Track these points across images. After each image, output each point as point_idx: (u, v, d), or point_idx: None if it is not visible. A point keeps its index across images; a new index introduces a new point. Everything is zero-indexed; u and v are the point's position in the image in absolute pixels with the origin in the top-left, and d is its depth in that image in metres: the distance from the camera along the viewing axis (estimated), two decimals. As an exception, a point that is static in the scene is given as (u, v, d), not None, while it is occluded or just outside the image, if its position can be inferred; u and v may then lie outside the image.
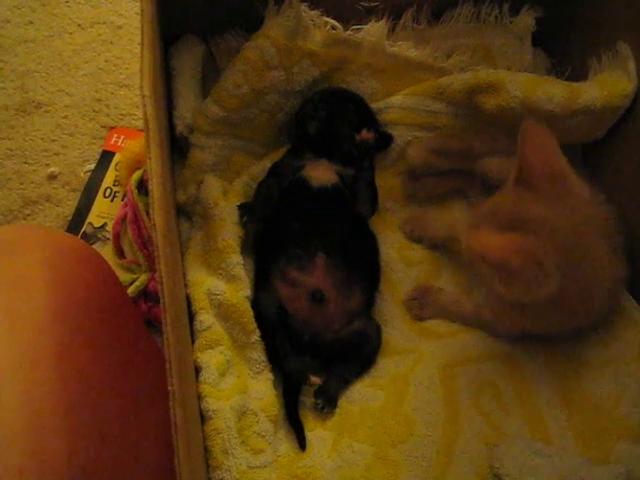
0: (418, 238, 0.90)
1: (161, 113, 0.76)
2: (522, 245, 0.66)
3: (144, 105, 0.61)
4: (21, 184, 1.02)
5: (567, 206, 0.69)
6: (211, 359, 0.74)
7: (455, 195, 0.94)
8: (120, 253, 0.94)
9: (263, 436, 0.73)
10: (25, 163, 1.03)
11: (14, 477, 0.51)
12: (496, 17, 0.98)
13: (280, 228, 0.84)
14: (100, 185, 1.01)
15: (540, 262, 0.64)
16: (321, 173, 0.86)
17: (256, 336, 0.77)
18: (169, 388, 0.49)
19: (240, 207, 0.84)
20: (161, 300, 0.52)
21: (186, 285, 0.79)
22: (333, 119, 0.88)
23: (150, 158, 0.57)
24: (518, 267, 0.64)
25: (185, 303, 0.77)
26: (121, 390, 0.65)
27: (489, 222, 0.69)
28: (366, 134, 0.86)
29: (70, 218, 0.99)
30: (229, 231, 0.81)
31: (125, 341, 0.71)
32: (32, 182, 1.02)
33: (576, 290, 0.70)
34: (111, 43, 1.14)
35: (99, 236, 0.97)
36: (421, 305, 0.86)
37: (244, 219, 0.83)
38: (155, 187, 0.56)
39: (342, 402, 0.79)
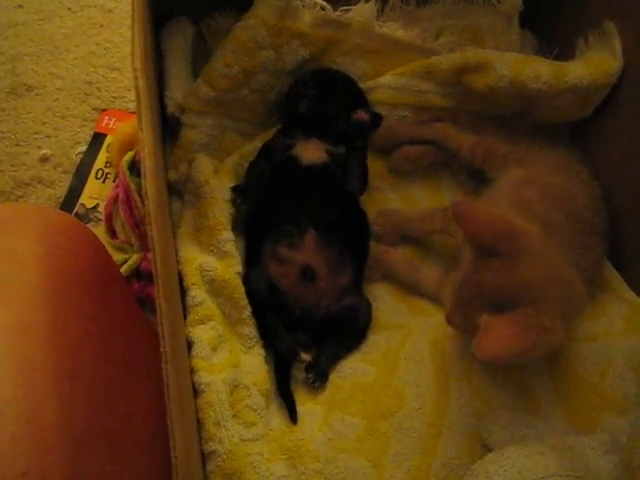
0: (392, 242, 0.89)
1: (152, 90, 0.76)
2: (526, 326, 0.65)
3: (135, 78, 0.61)
4: (13, 166, 1.02)
5: (534, 255, 0.68)
6: (203, 334, 0.74)
7: (442, 170, 0.95)
8: (112, 233, 0.95)
9: (255, 410, 0.73)
10: (17, 145, 1.04)
11: (4, 443, 0.51)
12: (484, -3, 0.99)
13: (270, 206, 0.84)
14: (92, 167, 1.02)
15: (548, 328, 0.65)
16: (311, 152, 0.86)
17: (247, 312, 0.78)
18: (161, 349, 0.50)
19: (233, 189, 0.84)
20: (153, 266, 0.53)
21: (178, 262, 0.79)
22: (323, 98, 0.88)
23: (142, 129, 0.57)
24: (532, 346, 0.64)
25: (177, 279, 0.77)
26: (112, 363, 0.65)
27: (479, 306, 0.68)
28: (362, 114, 0.86)
29: (62, 199, 0.99)
30: (220, 208, 0.82)
31: (117, 315, 0.71)
32: (24, 164, 1.02)
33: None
34: (102, 26, 1.14)
35: (91, 217, 0.98)
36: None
37: (238, 201, 0.83)
38: (147, 157, 0.56)
39: (333, 377, 0.79)
